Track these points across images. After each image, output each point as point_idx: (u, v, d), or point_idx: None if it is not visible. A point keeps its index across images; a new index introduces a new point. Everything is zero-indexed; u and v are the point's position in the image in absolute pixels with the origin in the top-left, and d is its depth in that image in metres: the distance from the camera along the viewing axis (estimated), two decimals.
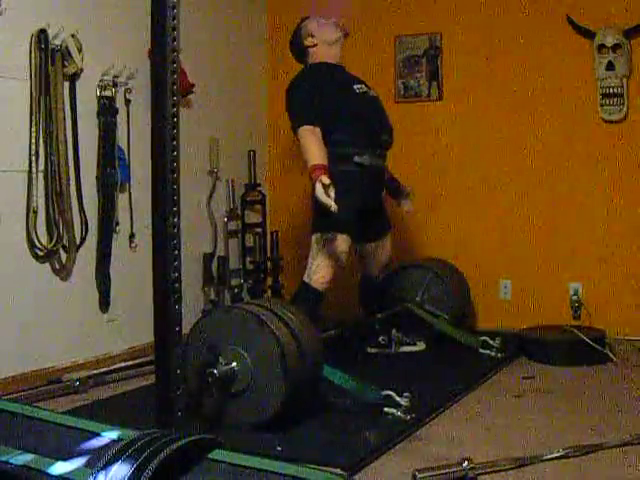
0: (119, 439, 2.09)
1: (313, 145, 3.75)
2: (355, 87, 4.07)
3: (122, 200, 4.23)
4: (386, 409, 3.12)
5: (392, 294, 4.52)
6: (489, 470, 2.57)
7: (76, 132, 3.93)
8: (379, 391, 3.18)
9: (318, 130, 3.80)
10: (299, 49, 4.20)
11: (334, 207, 3.57)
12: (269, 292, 5.25)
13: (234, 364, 2.99)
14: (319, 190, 3.57)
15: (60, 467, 2.04)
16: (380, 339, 4.34)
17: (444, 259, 4.80)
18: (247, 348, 2.99)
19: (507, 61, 4.87)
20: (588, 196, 4.71)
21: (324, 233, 3.86)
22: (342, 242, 3.86)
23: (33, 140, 3.68)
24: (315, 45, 4.13)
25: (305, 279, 3.89)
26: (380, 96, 4.25)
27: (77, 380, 3.72)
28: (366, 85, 4.15)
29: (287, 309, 3.18)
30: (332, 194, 3.59)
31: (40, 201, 3.73)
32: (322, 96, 3.89)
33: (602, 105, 4.60)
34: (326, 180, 3.57)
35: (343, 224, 3.84)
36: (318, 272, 3.85)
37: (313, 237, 3.91)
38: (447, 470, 2.52)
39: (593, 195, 4.69)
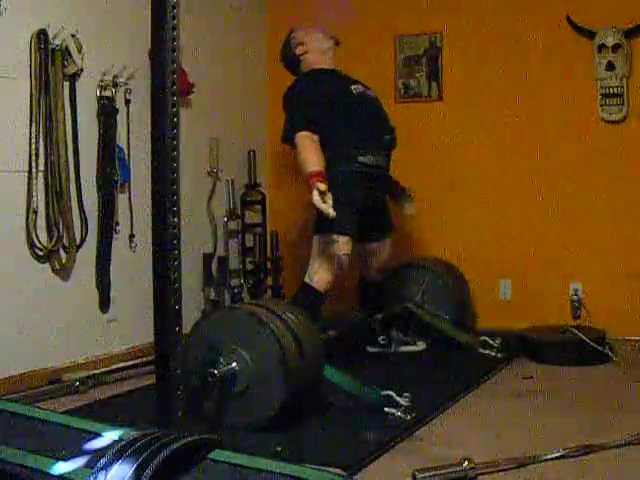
0: (119, 439, 2.09)
1: (310, 151, 3.77)
2: (352, 87, 4.08)
3: (122, 200, 4.23)
4: (386, 409, 3.12)
5: (392, 294, 4.52)
6: (489, 470, 2.57)
7: (76, 132, 3.93)
8: (379, 391, 3.18)
9: (316, 137, 3.82)
10: (291, 59, 4.22)
11: (332, 214, 3.59)
12: (269, 292, 5.25)
13: (234, 364, 2.99)
14: (315, 197, 3.59)
15: (60, 467, 2.04)
16: (380, 339, 4.34)
17: (444, 259, 4.80)
18: (247, 348, 2.99)
19: (507, 61, 4.87)
20: (588, 196, 4.70)
21: (326, 235, 3.85)
22: (344, 244, 3.86)
23: (33, 140, 3.68)
24: (307, 52, 4.16)
25: (306, 280, 3.88)
26: (380, 96, 4.26)
27: (77, 380, 3.71)
28: (363, 85, 4.16)
29: (287, 309, 3.18)
30: (329, 201, 3.61)
31: (40, 201, 3.73)
32: (320, 101, 3.92)
33: (602, 105, 4.60)
34: (322, 187, 3.59)
35: (345, 226, 3.85)
36: (319, 273, 3.85)
37: (315, 238, 3.92)
38: (447, 470, 2.52)
39: (593, 195, 4.69)
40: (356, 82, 4.14)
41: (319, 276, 3.84)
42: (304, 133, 3.81)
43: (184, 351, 2.87)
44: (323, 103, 3.92)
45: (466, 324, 4.69)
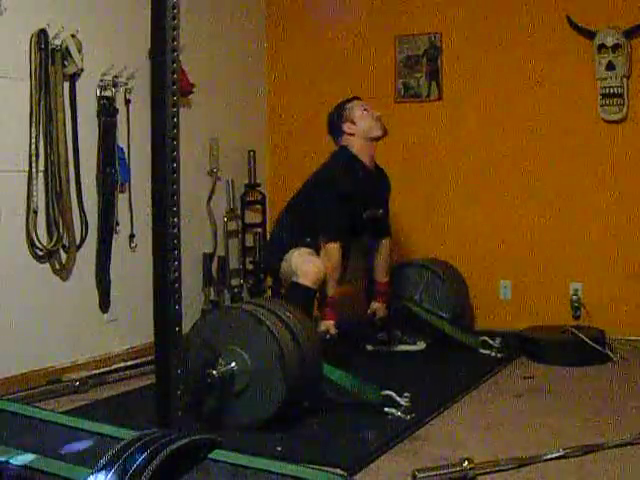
0: (119, 439, 2.10)
1: (335, 271, 3.96)
2: (365, 215, 4.15)
3: (122, 200, 4.23)
4: (386, 409, 3.12)
5: (392, 293, 4.51)
6: (489, 470, 2.57)
7: (76, 132, 3.93)
8: (379, 391, 3.18)
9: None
10: (337, 129, 4.19)
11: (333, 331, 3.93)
12: (269, 292, 5.25)
13: (233, 364, 2.99)
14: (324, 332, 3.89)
15: (60, 467, 2.04)
16: (379, 335, 4.34)
17: (444, 259, 4.80)
18: (247, 348, 3.00)
19: (507, 61, 4.87)
20: (588, 196, 4.70)
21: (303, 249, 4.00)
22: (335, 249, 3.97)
23: (33, 140, 3.68)
24: (353, 134, 4.13)
25: (293, 279, 3.89)
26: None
27: (77, 380, 3.72)
28: (378, 203, 4.23)
29: (286, 309, 3.18)
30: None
31: (40, 201, 3.73)
32: (347, 207, 4.02)
33: (602, 105, 4.60)
34: (334, 332, 3.93)
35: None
36: (302, 268, 3.86)
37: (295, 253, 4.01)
38: (447, 470, 2.52)
39: (593, 195, 4.69)
40: (374, 202, 4.21)
41: (303, 270, 3.84)
42: (336, 245, 3.96)
43: (184, 351, 2.87)
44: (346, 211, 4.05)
45: (466, 324, 4.69)
